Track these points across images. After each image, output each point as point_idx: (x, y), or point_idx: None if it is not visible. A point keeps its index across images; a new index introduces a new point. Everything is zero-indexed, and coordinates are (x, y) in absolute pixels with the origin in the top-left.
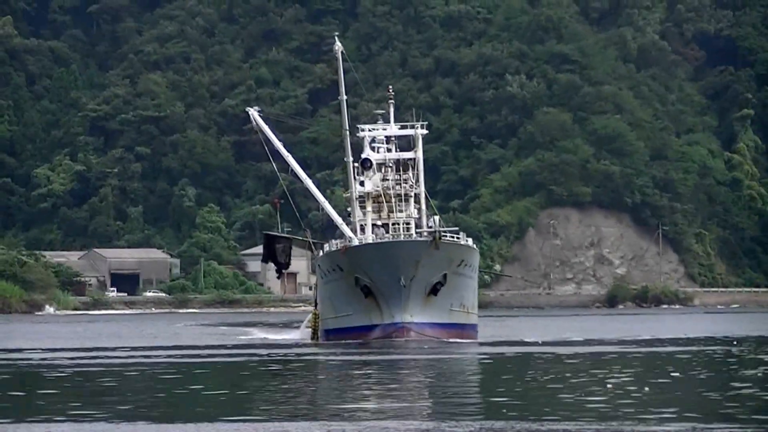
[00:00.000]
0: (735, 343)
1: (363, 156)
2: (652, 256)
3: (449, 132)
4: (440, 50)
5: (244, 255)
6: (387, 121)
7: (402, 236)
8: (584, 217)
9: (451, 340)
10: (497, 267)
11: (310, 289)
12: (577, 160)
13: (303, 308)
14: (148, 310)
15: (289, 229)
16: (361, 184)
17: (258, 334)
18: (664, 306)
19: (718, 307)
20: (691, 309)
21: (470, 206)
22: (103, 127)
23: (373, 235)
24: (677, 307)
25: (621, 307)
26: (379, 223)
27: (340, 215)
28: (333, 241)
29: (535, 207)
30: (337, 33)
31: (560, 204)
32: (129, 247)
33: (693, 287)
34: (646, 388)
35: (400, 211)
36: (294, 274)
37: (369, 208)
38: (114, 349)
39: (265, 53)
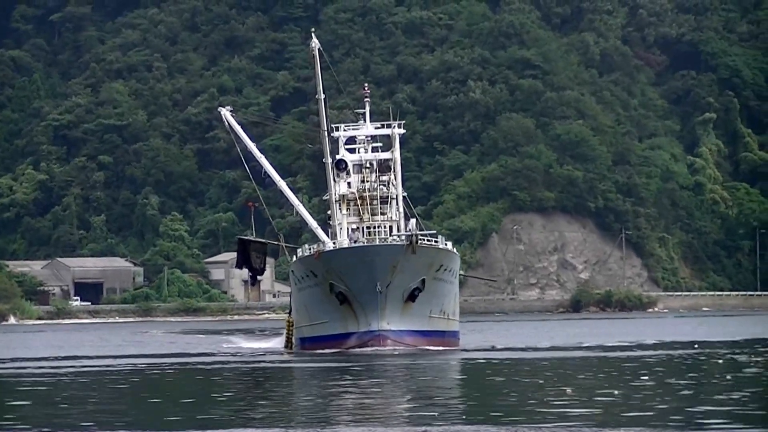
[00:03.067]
0: (696, 346)
1: (338, 157)
2: (616, 260)
3: (412, 138)
4: (402, 57)
5: (208, 263)
6: (364, 120)
7: (377, 240)
8: (547, 222)
9: (430, 348)
10: (460, 272)
11: (275, 296)
12: (540, 165)
13: (267, 316)
14: (112, 319)
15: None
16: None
17: (240, 343)
18: (629, 311)
19: (681, 311)
20: (654, 313)
21: (433, 212)
22: (65, 136)
23: (349, 239)
24: (642, 311)
25: (612, 311)
26: (358, 226)
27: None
28: (306, 245)
29: (498, 212)
30: (313, 29)
31: (523, 209)
32: (92, 256)
33: (656, 291)
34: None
35: (382, 213)
36: (250, 283)
37: (344, 211)
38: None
39: (227, 61)
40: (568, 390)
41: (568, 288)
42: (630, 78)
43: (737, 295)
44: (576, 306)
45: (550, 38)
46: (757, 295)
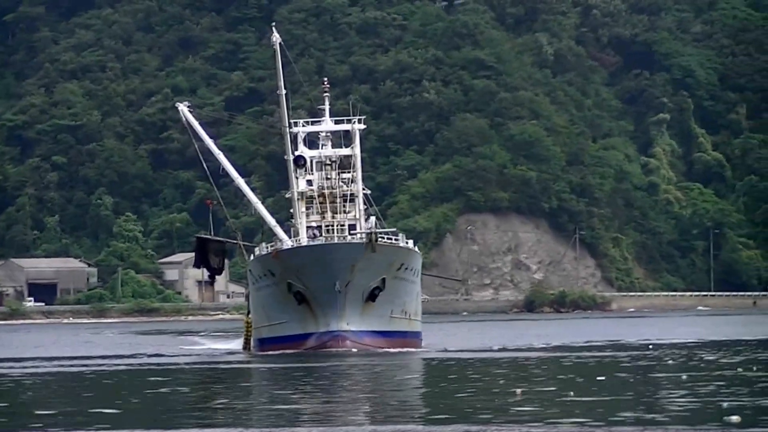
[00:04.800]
0: (650, 347)
1: (296, 153)
2: (570, 261)
3: (366, 139)
4: (356, 57)
5: (162, 263)
6: (323, 116)
7: (336, 238)
8: (501, 222)
9: (391, 349)
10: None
11: (229, 297)
12: (494, 165)
13: (221, 316)
14: (66, 320)
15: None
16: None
17: (201, 344)
18: (583, 311)
19: (631, 311)
20: (608, 313)
21: (388, 213)
22: (19, 136)
23: (307, 238)
24: (595, 312)
25: (566, 312)
26: (322, 224)
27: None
28: (264, 244)
29: (452, 213)
30: (273, 23)
31: (477, 210)
32: (46, 256)
33: (610, 292)
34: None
35: (346, 211)
36: (209, 282)
37: (303, 209)
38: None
39: (181, 61)
40: (518, 391)
41: (522, 288)
42: (584, 78)
43: (691, 295)
44: (530, 306)
45: (503, 39)
46: (711, 295)
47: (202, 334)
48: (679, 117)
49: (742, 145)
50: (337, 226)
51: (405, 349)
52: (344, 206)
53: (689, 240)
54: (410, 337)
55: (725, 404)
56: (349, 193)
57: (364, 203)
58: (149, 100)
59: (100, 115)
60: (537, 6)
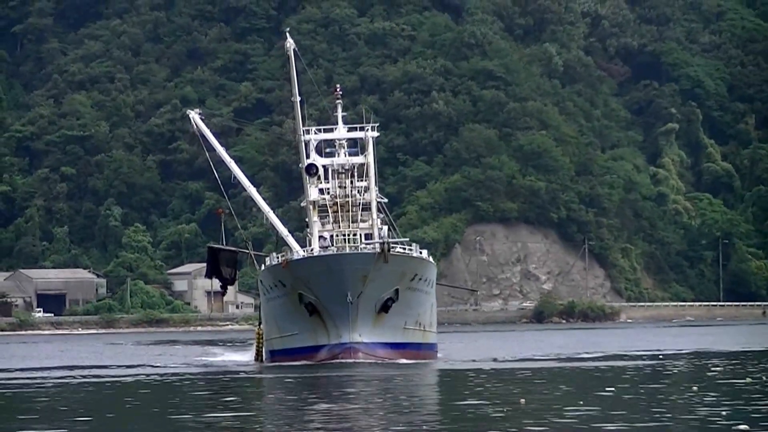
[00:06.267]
0: (661, 357)
1: (308, 161)
2: (579, 271)
3: (375, 149)
4: (365, 68)
5: (171, 274)
6: (335, 123)
7: (348, 248)
8: (510, 233)
9: (405, 360)
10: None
11: (238, 307)
12: (502, 176)
13: (230, 327)
14: (75, 331)
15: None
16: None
17: (216, 355)
18: (592, 321)
19: (629, 321)
20: (618, 324)
21: (396, 223)
22: (28, 147)
23: (320, 248)
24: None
25: (575, 322)
26: (335, 234)
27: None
28: (275, 254)
29: (461, 223)
30: (287, 29)
31: (486, 220)
32: (55, 267)
33: (619, 302)
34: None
35: (362, 220)
36: (221, 293)
37: (316, 218)
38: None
39: (190, 72)
40: (522, 401)
41: (531, 299)
42: (592, 88)
43: (700, 305)
44: (539, 317)
45: (512, 49)
46: (720, 305)
47: (221, 344)
48: (687, 127)
49: (750, 155)
50: (350, 235)
51: (416, 361)
52: (359, 215)
53: (698, 250)
54: (425, 349)
55: (724, 412)
56: (363, 201)
57: (379, 211)
58: (158, 110)
59: (109, 125)
60: (545, 16)
